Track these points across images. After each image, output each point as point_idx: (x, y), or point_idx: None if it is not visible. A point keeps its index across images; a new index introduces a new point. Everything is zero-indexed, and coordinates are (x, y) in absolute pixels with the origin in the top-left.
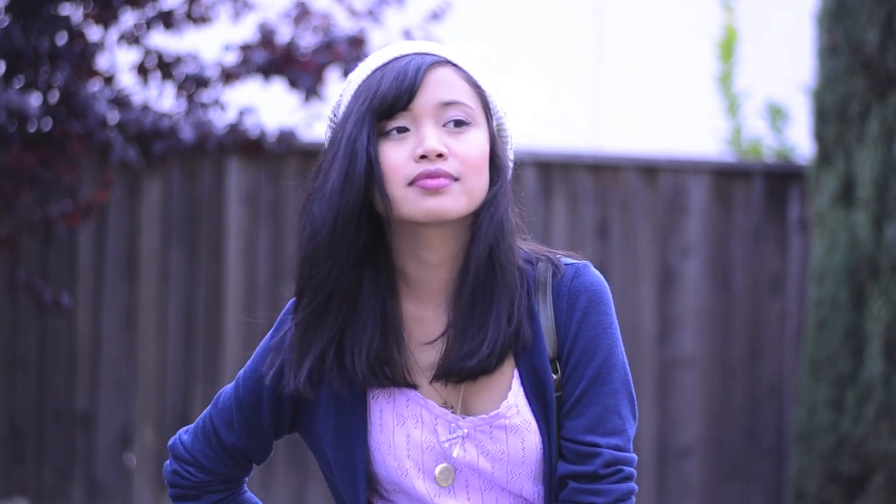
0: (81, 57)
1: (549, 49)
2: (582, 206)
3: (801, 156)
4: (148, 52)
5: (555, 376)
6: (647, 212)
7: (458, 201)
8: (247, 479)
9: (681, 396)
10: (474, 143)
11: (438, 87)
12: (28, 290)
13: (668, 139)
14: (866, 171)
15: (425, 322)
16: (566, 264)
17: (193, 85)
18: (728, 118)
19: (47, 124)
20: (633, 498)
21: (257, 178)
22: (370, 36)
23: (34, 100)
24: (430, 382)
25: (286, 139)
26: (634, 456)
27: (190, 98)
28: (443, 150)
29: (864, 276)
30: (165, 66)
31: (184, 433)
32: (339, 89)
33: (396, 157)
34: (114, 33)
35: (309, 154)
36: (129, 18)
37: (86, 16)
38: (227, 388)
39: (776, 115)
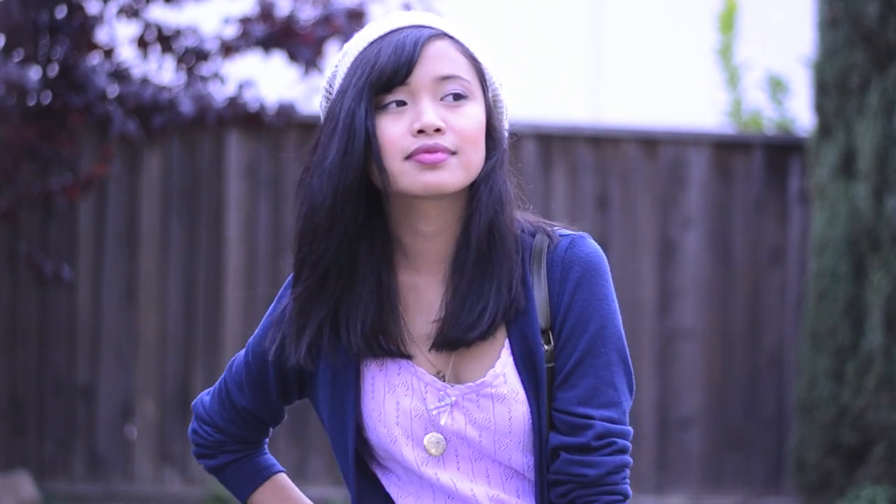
0: (81, 30)
1: (550, 21)
2: (582, 179)
3: (801, 128)
4: (147, 25)
5: (547, 347)
6: (648, 184)
7: (456, 175)
8: (267, 440)
9: (681, 368)
10: (471, 116)
11: (436, 61)
12: (28, 263)
13: (669, 111)
14: (866, 143)
15: (421, 292)
16: (562, 235)
17: (193, 58)
18: (728, 90)
19: (47, 98)
20: (627, 471)
21: (257, 151)
22: (369, 9)
23: (34, 73)
24: (429, 350)
25: (286, 112)
26: (629, 429)
27: (189, 71)
28: (440, 124)
29: (865, 247)
30: (165, 40)
31: (205, 395)
32: (335, 60)
33: (394, 132)
34: (113, 6)
35: (308, 127)
36: None
37: None
38: (240, 353)
39: (776, 87)
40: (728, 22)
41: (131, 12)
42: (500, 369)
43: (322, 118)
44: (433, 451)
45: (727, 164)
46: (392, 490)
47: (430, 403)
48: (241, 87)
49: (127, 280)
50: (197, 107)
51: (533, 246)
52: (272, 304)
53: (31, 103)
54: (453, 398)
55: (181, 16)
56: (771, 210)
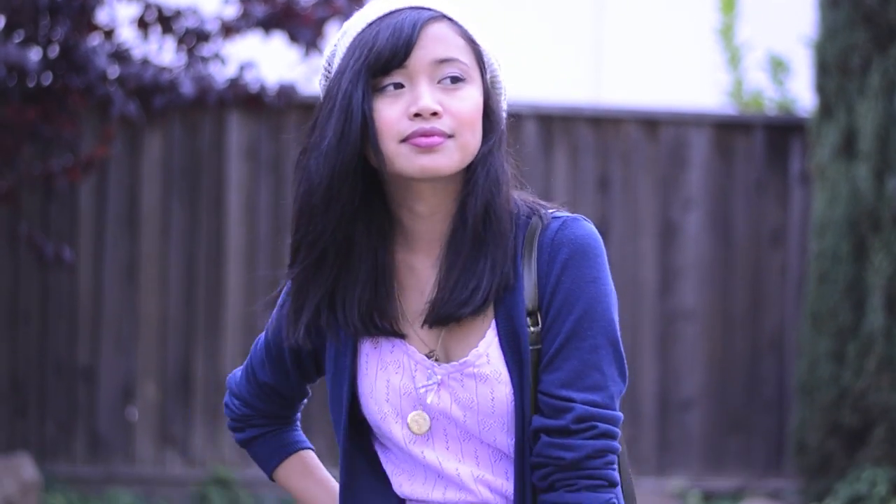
0: (81, 11)
1: (551, 1)
2: (583, 160)
3: (802, 108)
4: (148, 5)
5: (533, 329)
6: (648, 165)
7: (452, 158)
8: (298, 416)
9: (682, 349)
10: (468, 99)
11: (434, 44)
12: (29, 244)
13: (670, 92)
14: (867, 123)
15: (416, 271)
16: (553, 217)
17: (193, 39)
18: (729, 70)
19: (47, 79)
20: (613, 457)
21: (258, 132)
22: None
23: (34, 54)
24: (421, 327)
25: (286, 93)
26: (617, 414)
27: (190, 52)
28: (437, 108)
29: (866, 228)
30: (165, 20)
31: (239, 369)
32: (334, 39)
33: (390, 114)
34: None
35: (309, 108)
36: None
37: None
38: (264, 332)
39: (777, 67)
40: (729, 2)
41: None
42: (484, 349)
43: (321, 97)
44: (415, 428)
45: (728, 144)
46: (388, 468)
47: (418, 382)
48: (242, 68)
49: (128, 261)
50: (198, 88)
51: (528, 228)
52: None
53: (32, 84)
54: (440, 377)
55: None
56: (772, 191)
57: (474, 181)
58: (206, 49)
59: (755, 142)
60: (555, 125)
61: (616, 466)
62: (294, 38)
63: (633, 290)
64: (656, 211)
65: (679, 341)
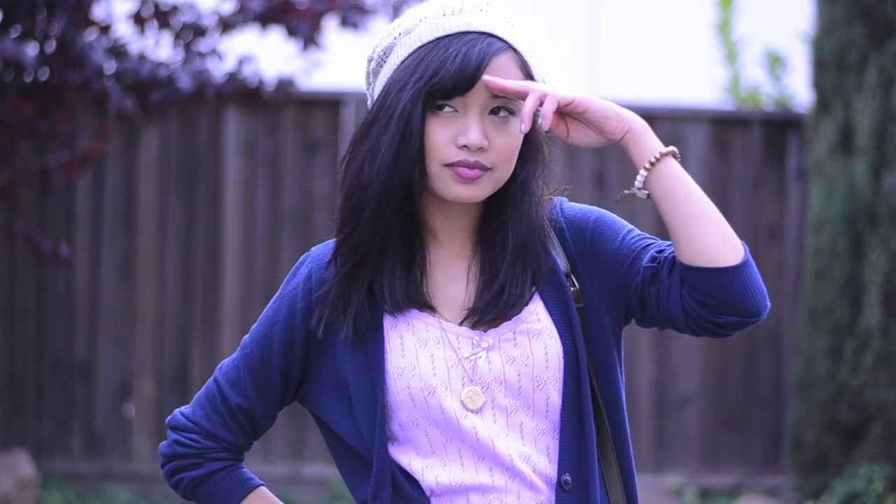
0: (78, 6)
1: None
2: (579, 155)
3: (799, 104)
4: (144, 1)
5: (573, 288)
6: None
7: (486, 189)
8: (246, 454)
9: (679, 346)
10: (514, 135)
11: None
12: (26, 240)
13: (667, 87)
14: (865, 119)
15: (445, 260)
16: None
17: (191, 34)
18: (727, 66)
19: (44, 74)
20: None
21: (255, 127)
22: None
23: (31, 49)
24: (460, 324)
25: (284, 88)
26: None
27: (187, 47)
28: (484, 144)
29: (863, 224)
30: (162, 15)
31: (182, 409)
32: (394, 30)
33: (440, 138)
34: None
35: (307, 103)
36: None
37: None
38: (229, 358)
39: (775, 62)
40: None
41: None
42: (534, 308)
43: (370, 88)
44: (470, 404)
45: (725, 140)
46: (415, 465)
47: (464, 352)
48: (240, 62)
49: (125, 257)
50: (195, 83)
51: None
52: (279, 290)
53: (28, 80)
54: (490, 341)
55: None
56: (769, 187)
57: (514, 205)
58: (203, 44)
59: (752, 137)
60: None
61: None
62: (292, 32)
63: None
64: (653, 207)
65: (676, 338)
